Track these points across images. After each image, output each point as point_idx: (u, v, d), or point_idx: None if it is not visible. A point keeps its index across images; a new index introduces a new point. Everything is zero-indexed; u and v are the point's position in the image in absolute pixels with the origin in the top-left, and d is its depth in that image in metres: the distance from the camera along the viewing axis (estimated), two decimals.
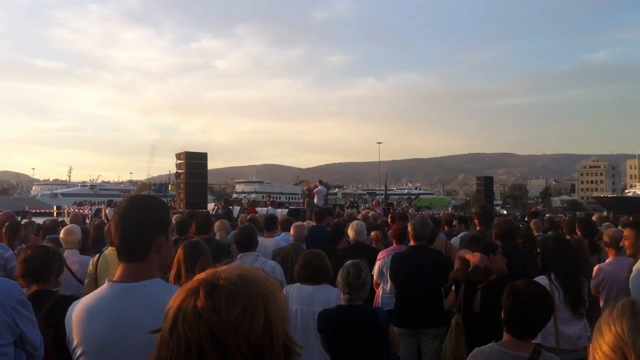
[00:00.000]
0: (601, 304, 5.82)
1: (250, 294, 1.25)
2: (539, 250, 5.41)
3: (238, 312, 1.21)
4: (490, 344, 3.51)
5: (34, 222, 12.20)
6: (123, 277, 2.29)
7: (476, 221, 8.18)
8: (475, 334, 4.93)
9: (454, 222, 10.64)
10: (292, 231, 8.00)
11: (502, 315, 3.55)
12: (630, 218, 12.34)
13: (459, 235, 8.68)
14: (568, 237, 7.33)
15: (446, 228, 10.71)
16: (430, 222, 6.95)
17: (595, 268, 6.02)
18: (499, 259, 5.15)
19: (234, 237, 6.62)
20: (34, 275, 4.15)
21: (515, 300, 3.49)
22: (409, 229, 6.69)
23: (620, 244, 5.86)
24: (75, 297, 4.31)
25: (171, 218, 2.56)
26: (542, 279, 5.08)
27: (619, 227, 6.97)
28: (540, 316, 3.54)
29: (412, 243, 6.64)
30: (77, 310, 2.28)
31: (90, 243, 7.88)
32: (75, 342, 2.23)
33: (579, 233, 8.04)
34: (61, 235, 6.72)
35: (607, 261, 6.20)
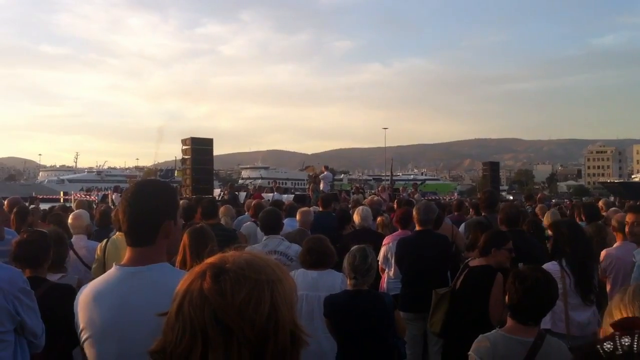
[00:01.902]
0: (608, 288, 5.81)
1: (257, 279, 1.24)
2: (550, 234, 5.37)
3: (243, 296, 1.21)
4: (494, 330, 3.55)
5: (40, 208, 12.22)
6: (130, 261, 2.29)
7: (480, 207, 8.22)
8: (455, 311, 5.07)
9: (470, 210, 10.59)
10: (298, 217, 8.01)
11: (507, 300, 3.57)
12: (639, 203, 12.30)
13: (466, 221, 8.68)
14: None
15: (456, 213, 10.70)
16: (435, 207, 6.94)
17: (603, 252, 6.01)
18: (503, 254, 5.11)
19: (260, 220, 6.62)
20: (26, 260, 4.07)
21: (520, 286, 3.49)
22: (414, 213, 6.69)
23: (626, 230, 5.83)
24: (68, 286, 4.32)
25: (179, 202, 2.56)
26: (553, 265, 5.07)
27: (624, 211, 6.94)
28: (545, 302, 3.55)
29: (417, 228, 6.65)
30: (84, 295, 2.28)
31: (96, 229, 7.91)
32: (81, 326, 2.23)
33: (582, 218, 8.02)
34: (69, 220, 6.76)
35: (614, 246, 6.17)
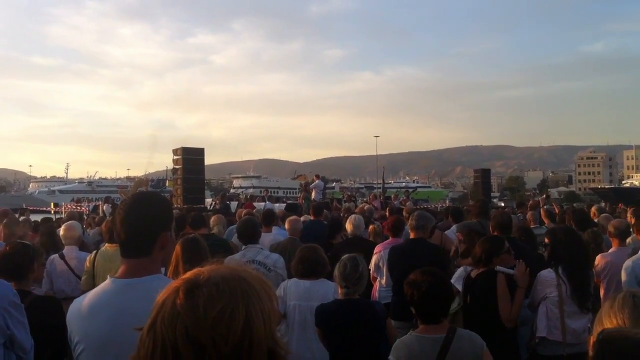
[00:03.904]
0: (601, 293, 5.83)
1: (231, 294, 1.22)
2: (547, 241, 5.38)
3: (216, 312, 1.18)
4: (409, 333, 3.71)
5: (30, 219, 12.16)
6: (126, 273, 2.29)
7: (474, 214, 8.25)
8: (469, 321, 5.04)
9: (449, 217, 10.62)
10: (286, 226, 8.00)
11: (410, 305, 3.74)
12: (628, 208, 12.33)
13: (454, 226, 8.67)
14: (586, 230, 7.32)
15: (450, 219, 10.69)
16: (431, 217, 6.94)
17: (598, 257, 6.02)
18: (504, 259, 5.12)
19: (237, 230, 6.61)
20: (10, 273, 4.00)
21: (417, 292, 3.67)
22: (409, 220, 6.69)
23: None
24: (53, 297, 4.29)
25: (173, 214, 2.57)
26: (548, 272, 5.07)
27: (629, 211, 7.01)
28: (443, 300, 3.74)
29: (411, 235, 6.64)
30: (78, 307, 2.28)
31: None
32: (76, 339, 2.23)
33: (572, 224, 8.06)
34: (61, 231, 6.75)
35: (609, 251, 6.20)
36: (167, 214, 2.44)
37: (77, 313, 2.26)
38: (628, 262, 5.38)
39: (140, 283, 2.23)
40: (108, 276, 2.35)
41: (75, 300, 2.36)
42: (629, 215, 9.22)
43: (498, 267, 5.14)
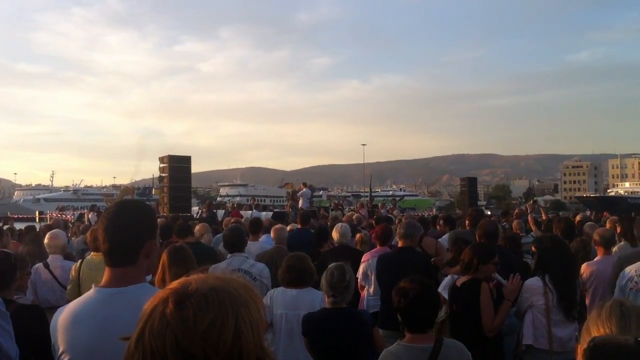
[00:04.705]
0: (587, 302, 5.84)
1: (220, 304, 1.21)
2: (534, 249, 5.39)
3: (207, 323, 1.18)
4: (396, 343, 3.71)
5: (14, 227, 12.06)
6: (110, 282, 2.27)
7: (467, 222, 8.27)
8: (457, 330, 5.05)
9: (440, 222, 10.65)
10: (272, 234, 7.98)
11: (397, 313, 3.74)
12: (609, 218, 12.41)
13: (446, 235, 8.69)
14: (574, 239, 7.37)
15: (439, 227, 10.71)
16: (419, 225, 6.93)
17: (584, 266, 6.05)
18: (489, 268, 5.12)
19: (223, 238, 6.58)
20: None
21: (404, 300, 3.68)
22: (398, 229, 6.69)
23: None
24: (36, 306, 4.25)
25: (157, 222, 2.55)
26: (536, 280, 5.09)
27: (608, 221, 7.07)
28: (431, 309, 3.75)
29: (399, 244, 6.64)
30: (63, 317, 2.25)
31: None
32: (61, 349, 2.20)
33: (558, 233, 8.10)
34: (45, 240, 6.70)
35: (595, 259, 6.23)
36: (151, 221, 2.42)
37: (61, 323, 2.23)
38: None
39: (126, 292, 2.21)
40: (92, 285, 2.32)
41: (59, 310, 2.33)
42: (608, 224, 9.31)
43: (495, 275, 5.16)
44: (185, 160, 19.33)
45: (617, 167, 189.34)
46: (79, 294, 5.34)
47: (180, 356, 1.16)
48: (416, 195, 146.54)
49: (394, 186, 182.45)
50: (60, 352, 2.20)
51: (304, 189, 23.77)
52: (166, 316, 1.19)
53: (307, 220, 10.21)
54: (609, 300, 1.84)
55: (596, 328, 1.69)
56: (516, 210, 14.49)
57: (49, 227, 10.31)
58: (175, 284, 1.28)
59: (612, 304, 1.76)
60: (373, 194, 51.05)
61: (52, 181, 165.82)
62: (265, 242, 8.48)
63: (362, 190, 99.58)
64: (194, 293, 1.23)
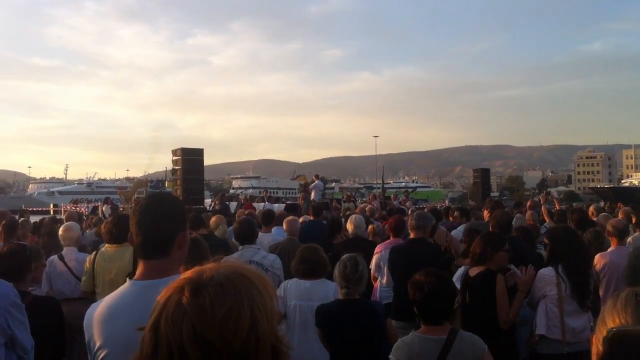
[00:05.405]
0: (601, 292, 5.82)
1: (236, 293, 1.22)
2: (546, 240, 5.38)
3: (224, 311, 1.19)
4: (410, 333, 3.72)
5: (30, 220, 12.14)
6: (145, 275, 2.27)
7: (485, 212, 8.30)
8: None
9: (455, 214, 10.65)
10: (284, 226, 7.98)
11: (414, 306, 3.76)
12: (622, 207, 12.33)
13: (461, 226, 8.69)
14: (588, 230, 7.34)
15: (451, 219, 10.72)
16: (431, 217, 6.91)
17: (597, 256, 6.03)
18: (501, 256, 5.12)
19: (234, 231, 6.60)
20: (8, 273, 3.96)
21: (420, 293, 3.69)
22: (410, 221, 6.68)
23: None
24: (51, 298, 4.28)
25: (187, 214, 2.59)
26: (549, 270, 5.07)
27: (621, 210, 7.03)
28: (447, 301, 3.75)
29: (411, 235, 6.63)
30: (98, 312, 2.25)
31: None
32: (98, 344, 2.19)
33: (571, 224, 8.08)
34: (60, 232, 6.75)
35: (608, 250, 6.21)
36: (182, 213, 2.45)
37: (97, 318, 2.23)
38: None
39: (161, 284, 2.20)
40: (127, 279, 2.34)
41: (92, 306, 2.34)
42: (620, 214, 9.26)
43: (511, 266, 5.16)
44: (198, 153, 19.37)
45: (632, 158, 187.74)
46: (94, 286, 5.40)
47: (198, 344, 1.17)
48: (429, 187, 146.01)
49: (407, 178, 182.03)
50: (97, 347, 2.19)
51: (316, 181, 23.78)
52: (183, 305, 1.20)
53: (320, 212, 10.23)
54: (624, 290, 1.83)
55: (612, 318, 1.68)
56: (529, 202, 14.40)
57: (55, 220, 10.37)
58: (189, 273, 1.30)
59: (627, 294, 1.75)
60: (385, 186, 50.98)
61: (66, 174, 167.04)
62: (277, 234, 8.50)
63: (375, 182, 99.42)
64: (209, 281, 1.24)
